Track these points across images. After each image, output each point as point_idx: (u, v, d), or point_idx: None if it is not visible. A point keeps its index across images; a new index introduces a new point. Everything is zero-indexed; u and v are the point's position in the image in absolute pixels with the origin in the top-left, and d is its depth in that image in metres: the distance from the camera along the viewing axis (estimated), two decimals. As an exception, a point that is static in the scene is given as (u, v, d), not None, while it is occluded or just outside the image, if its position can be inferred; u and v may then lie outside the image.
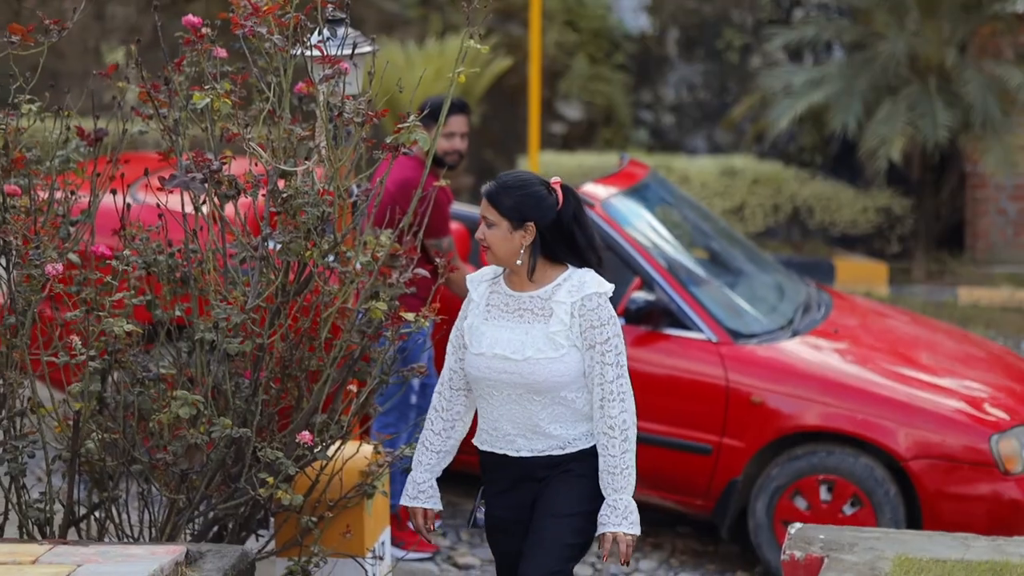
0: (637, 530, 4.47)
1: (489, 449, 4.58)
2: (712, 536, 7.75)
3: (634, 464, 4.47)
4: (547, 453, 4.51)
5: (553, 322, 4.44)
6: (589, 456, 4.51)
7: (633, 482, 4.47)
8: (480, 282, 4.63)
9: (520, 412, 4.49)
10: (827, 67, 13.66)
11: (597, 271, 4.51)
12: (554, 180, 4.50)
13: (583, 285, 4.46)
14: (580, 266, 4.51)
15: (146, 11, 14.37)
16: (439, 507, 4.70)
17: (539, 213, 4.43)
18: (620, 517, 4.44)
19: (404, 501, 4.69)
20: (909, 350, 7.79)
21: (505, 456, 4.55)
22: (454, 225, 7.46)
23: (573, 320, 4.44)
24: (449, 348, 4.65)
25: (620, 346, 4.46)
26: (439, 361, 7.27)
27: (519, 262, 4.47)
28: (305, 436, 4.89)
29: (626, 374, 4.48)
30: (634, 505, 4.47)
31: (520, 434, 4.51)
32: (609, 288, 4.48)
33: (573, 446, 4.51)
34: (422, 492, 4.67)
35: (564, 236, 4.47)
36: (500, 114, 14.34)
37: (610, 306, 4.48)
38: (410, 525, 7.26)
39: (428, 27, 14.55)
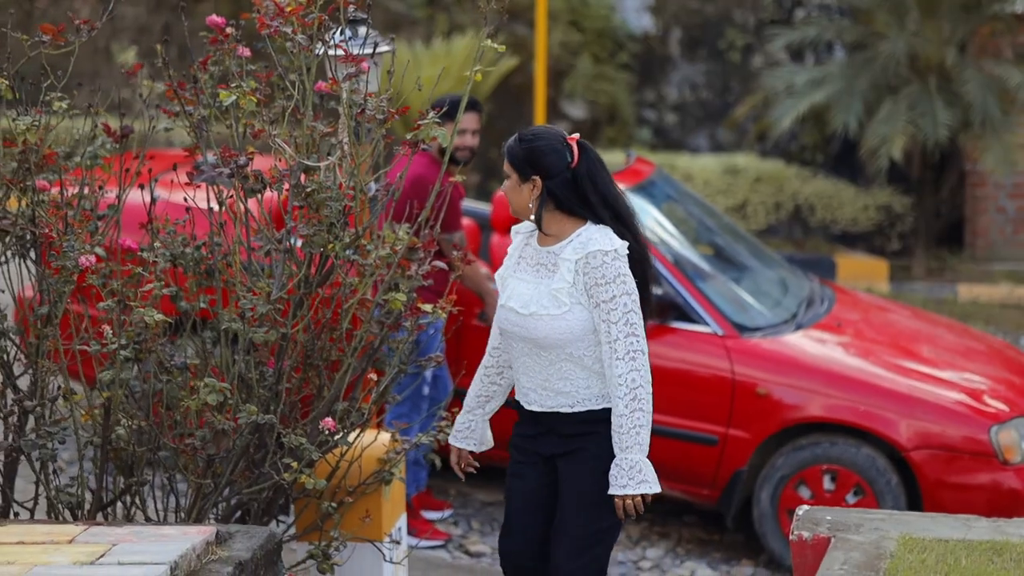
0: (648, 488, 4.37)
1: (515, 398, 4.65)
2: (717, 525, 7.86)
3: (646, 423, 4.37)
4: (556, 410, 4.49)
5: (556, 278, 4.41)
6: (602, 423, 4.45)
7: (644, 441, 4.37)
8: (517, 234, 4.63)
9: (533, 365, 4.50)
10: (828, 67, 13.73)
11: (618, 228, 4.42)
12: (571, 136, 4.48)
13: (589, 242, 4.37)
14: (596, 223, 4.44)
15: (155, 11, 14.46)
16: (471, 448, 4.78)
17: (547, 167, 4.40)
18: (627, 477, 4.36)
19: (449, 439, 4.85)
20: (910, 343, 7.89)
21: (521, 408, 4.60)
22: (464, 220, 7.58)
23: (577, 277, 4.38)
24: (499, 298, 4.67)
25: (629, 304, 4.37)
26: (450, 354, 7.40)
27: (533, 216, 4.46)
28: (329, 422, 5.01)
29: (638, 332, 4.39)
30: (646, 463, 4.37)
31: (533, 388, 4.53)
32: (619, 245, 4.38)
33: (583, 405, 4.47)
34: (458, 432, 4.81)
35: (578, 193, 4.42)
36: (506, 113, 14.41)
37: (620, 264, 4.37)
38: (424, 514, 7.44)
39: (434, 27, 14.62)
